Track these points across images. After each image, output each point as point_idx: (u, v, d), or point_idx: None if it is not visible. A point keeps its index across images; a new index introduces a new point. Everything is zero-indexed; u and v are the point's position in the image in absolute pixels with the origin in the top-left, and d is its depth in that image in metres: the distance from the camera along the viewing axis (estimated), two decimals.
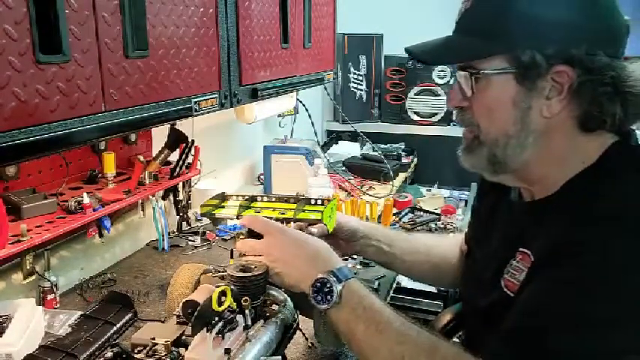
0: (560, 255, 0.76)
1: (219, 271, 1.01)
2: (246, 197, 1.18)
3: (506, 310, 0.81)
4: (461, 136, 0.92)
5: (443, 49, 0.88)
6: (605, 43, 0.79)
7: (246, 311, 0.86)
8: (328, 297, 0.85)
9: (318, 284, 0.86)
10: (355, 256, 1.63)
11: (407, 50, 0.90)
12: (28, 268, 1.21)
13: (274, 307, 0.96)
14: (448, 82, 3.13)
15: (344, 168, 2.65)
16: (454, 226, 2.04)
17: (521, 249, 0.86)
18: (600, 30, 0.80)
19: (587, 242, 0.74)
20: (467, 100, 0.87)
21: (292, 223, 1.12)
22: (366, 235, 1.19)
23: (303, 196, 1.18)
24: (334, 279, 0.86)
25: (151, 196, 1.53)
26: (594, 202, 0.78)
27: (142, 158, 1.46)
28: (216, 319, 0.80)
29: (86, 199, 1.24)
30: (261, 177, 2.35)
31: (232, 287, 0.87)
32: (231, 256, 0.99)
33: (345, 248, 1.20)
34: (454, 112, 0.92)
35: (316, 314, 1.00)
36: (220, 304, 0.81)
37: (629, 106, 0.80)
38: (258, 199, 1.18)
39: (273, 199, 1.18)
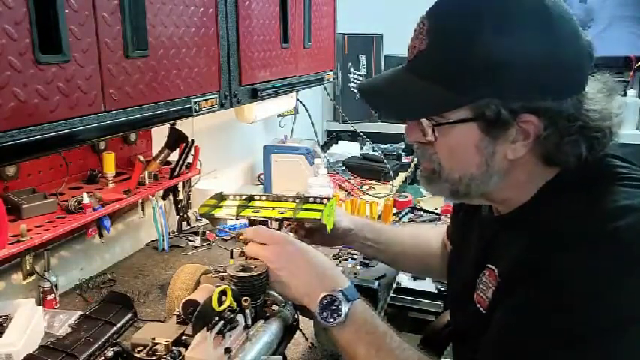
0: (517, 281, 0.76)
1: (219, 271, 1.01)
2: (244, 197, 1.18)
3: (479, 326, 0.82)
4: None
5: (403, 99, 0.82)
6: (571, 85, 0.77)
7: (247, 311, 0.86)
8: (335, 315, 0.85)
9: (326, 301, 0.86)
10: (355, 256, 1.63)
11: (362, 95, 0.86)
12: (28, 268, 1.21)
13: (274, 307, 0.96)
14: None
15: (344, 168, 2.65)
16: None
17: (488, 265, 0.87)
18: (566, 71, 0.76)
19: (537, 266, 0.73)
20: (427, 138, 0.83)
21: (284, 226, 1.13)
22: (355, 232, 1.23)
23: (302, 195, 1.18)
24: (343, 298, 0.86)
25: (151, 196, 1.53)
26: (546, 223, 0.77)
27: (142, 158, 1.46)
28: (217, 318, 0.81)
29: (86, 199, 1.24)
30: (261, 177, 2.35)
31: (232, 287, 0.87)
32: (231, 256, 0.99)
33: (332, 243, 1.23)
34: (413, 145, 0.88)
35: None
36: (221, 303, 0.81)
37: (594, 146, 0.79)
38: (256, 198, 1.18)
39: (271, 199, 1.18)
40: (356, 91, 3.31)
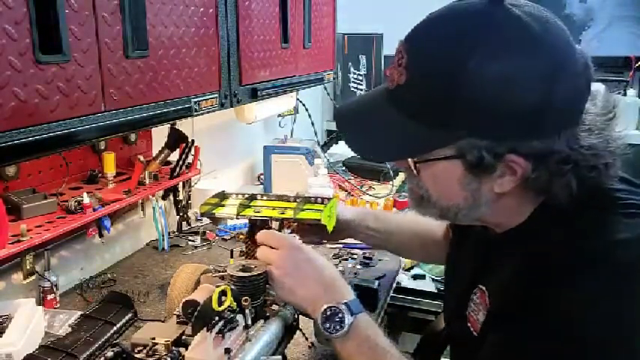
0: (507, 314, 0.75)
1: (219, 271, 1.01)
2: (246, 196, 1.18)
3: (472, 346, 0.82)
4: None
5: (381, 138, 0.78)
6: (563, 123, 0.71)
7: (247, 311, 0.86)
8: (337, 327, 0.85)
9: (329, 312, 0.85)
10: (355, 256, 1.63)
11: (338, 124, 0.83)
12: (28, 268, 1.20)
13: (274, 307, 0.96)
14: None
15: (344, 168, 2.65)
16: None
17: (479, 285, 0.86)
18: (558, 108, 0.68)
19: (526, 301, 0.72)
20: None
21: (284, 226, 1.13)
22: (357, 222, 1.23)
23: (304, 195, 1.18)
24: (347, 311, 0.85)
25: (151, 196, 1.53)
26: (537, 254, 0.75)
27: (142, 158, 1.46)
28: (217, 318, 0.81)
29: (86, 199, 1.24)
30: (261, 177, 2.35)
31: (232, 287, 0.87)
32: (231, 256, 0.99)
33: (335, 237, 1.23)
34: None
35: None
36: (220, 303, 0.81)
37: (586, 182, 0.74)
38: (258, 197, 1.18)
39: (273, 198, 1.18)
40: (356, 91, 3.31)
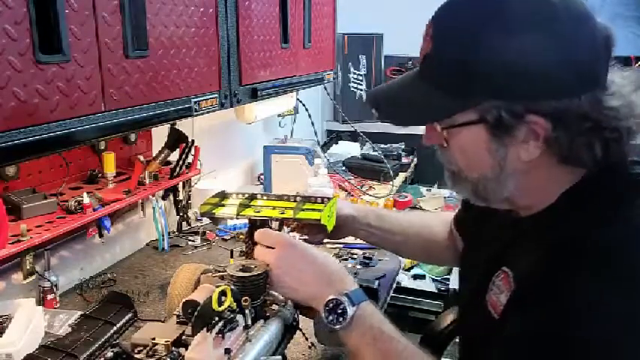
0: (533, 299, 0.75)
1: (219, 271, 1.01)
2: (246, 195, 1.18)
3: (490, 331, 0.81)
4: None
5: (408, 107, 0.84)
6: (583, 83, 0.73)
7: (247, 311, 0.86)
8: (340, 319, 0.85)
9: (332, 304, 0.86)
10: (355, 256, 1.63)
11: (369, 101, 0.87)
12: (28, 268, 1.20)
13: (274, 307, 0.96)
14: None
15: (344, 168, 2.65)
16: None
17: (503, 267, 0.85)
18: (576, 69, 0.72)
19: (554, 287, 0.72)
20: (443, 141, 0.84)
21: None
22: (358, 219, 1.22)
23: (304, 195, 1.18)
24: (348, 301, 0.86)
25: (151, 196, 1.53)
26: (567, 238, 0.76)
27: (142, 158, 1.46)
28: (217, 318, 0.80)
29: (86, 199, 1.24)
30: (261, 177, 2.35)
31: (232, 287, 0.87)
32: (231, 256, 0.99)
33: (336, 235, 1.21)
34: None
35: (317, 314, 1.00)
36: (220, 303, 0.81)
37: (610, 146, 0.76)
38: (258, 197, 1.18)
39: (273, 198, 1.18)
40: (356, 91, 3.31)
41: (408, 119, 0.86)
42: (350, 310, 0.85)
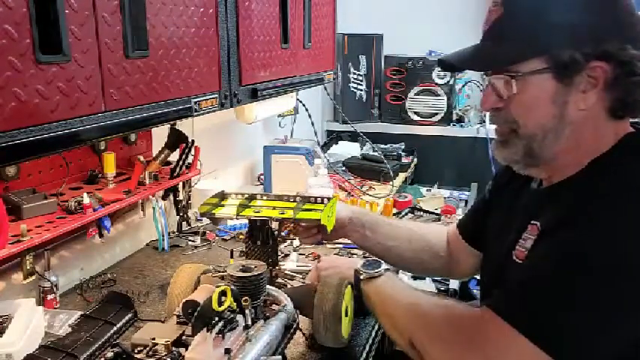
0: (562, 225, 0.81)
1: (219, 271, 1.01)
2: (246, 196, 1.18)
3: (513, 276, 0.88)
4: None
5: (480, 56, 0.90)
6: (632, 38, 0.83)
7: (247, 311, 0.86)
8: (375, 266, 1.06)
9: (367, 262, 1.08)
10: (355, 256, 1.63)
11: (441, 61, 0.94)
12: (28, 268, 1.20)
13: (274, 307, 0.96)
14: (448, 82, 3.12)
15: (344, 168, 2.65)
16: None
17: (532, 222, 0.91)
18: (627, 28, 0.84)
19: (584, 215, 0.80)
20: (502, 102, 0.89)
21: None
22: (353, 221, 1.25)
23: (304, 195, 1.18)
24: (381, 262, 1.09)
25: (151, 196, 1.53)
26: (596, 183, 0.84)
27: (142, 158, 1.46)
28: (217, 318, 0.81)
29: (86, 199, 1.24)
30: (261, 177, 2.35)
31: (232, 287, 0.87)
32: (231, 256, 0.99)
33: (330, 236, 1.24)
34: (487, 114, 0.97)
35: (316, 314, 1.00)
36: (220, 304, 0.81)
37: None
38: (258, 197, 1.18)
39: (273, 198, 1.18)
40: (356, 91, 3.31)
41: (481, 64, 0.94)
42: (383, 265, 1.06)
